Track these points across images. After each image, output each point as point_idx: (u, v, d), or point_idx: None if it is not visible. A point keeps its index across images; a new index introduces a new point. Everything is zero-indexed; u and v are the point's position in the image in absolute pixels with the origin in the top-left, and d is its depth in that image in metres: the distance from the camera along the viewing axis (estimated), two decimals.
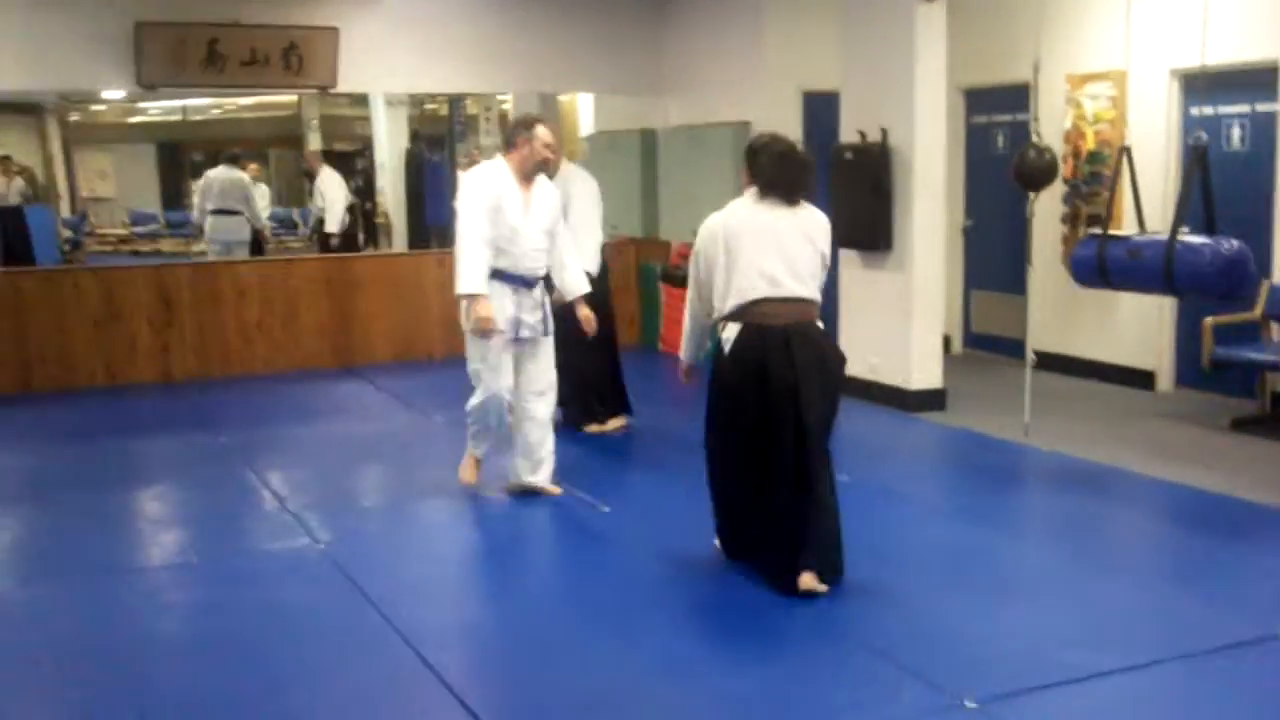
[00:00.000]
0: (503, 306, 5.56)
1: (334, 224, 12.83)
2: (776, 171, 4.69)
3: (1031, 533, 5.65)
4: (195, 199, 13.26)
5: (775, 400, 4.53)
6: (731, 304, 4.65)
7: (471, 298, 5.48)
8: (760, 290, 4.59)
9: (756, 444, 4.62)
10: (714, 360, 4.82)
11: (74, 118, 22.00)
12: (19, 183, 17.55)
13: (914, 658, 3.99)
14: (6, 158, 18.16)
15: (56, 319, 8.96)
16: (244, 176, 12.46)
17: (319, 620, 4.51)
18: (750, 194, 4.75)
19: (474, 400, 5.76)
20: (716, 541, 4.99)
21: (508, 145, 5.75)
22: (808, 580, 4.49)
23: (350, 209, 13.44)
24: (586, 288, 6.06)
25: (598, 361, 7.03)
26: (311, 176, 13.75)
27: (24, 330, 8.87)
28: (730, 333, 4.67)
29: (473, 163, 8.33)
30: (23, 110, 20.52)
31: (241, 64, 9.03)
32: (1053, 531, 5.65)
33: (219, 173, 12.43)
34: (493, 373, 5.64)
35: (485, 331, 5.50)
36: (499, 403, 5.70)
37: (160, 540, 5.61)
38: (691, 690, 3.83)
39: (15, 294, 8.88)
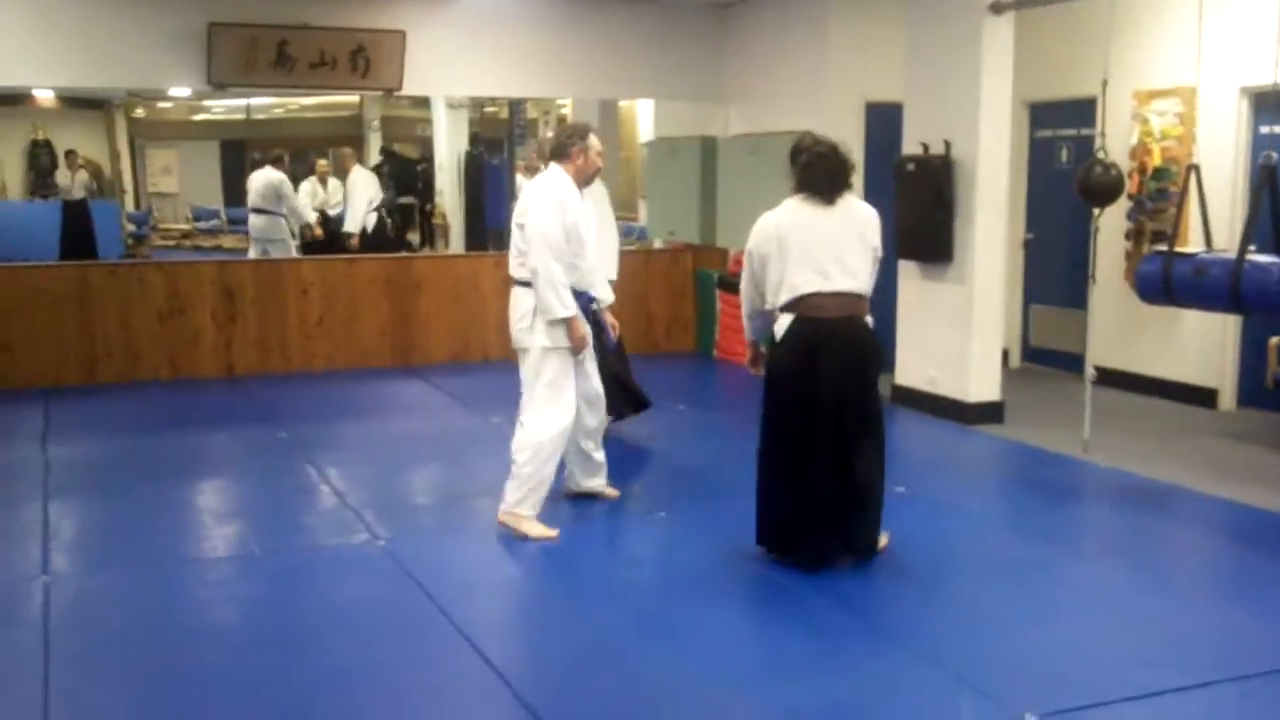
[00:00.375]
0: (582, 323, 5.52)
1: (353, 224, 12.90)
2: (813, 172, 4.92)
3: (1090, 548, 5.61)
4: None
5: (821, 388, 4.79)
6: (785, 297, 4.86)
7: (569, 320, 5.34)
8: (812, 284, 4.81)
9: (804, 430, 4.84)
10: (769, 353, 5.00)
11: (139, 113, 22.37)
12: (83, 176, 17.87)
13: (972, 670, 3.99)
14: (72, 152, 18.50)
15: (122, 312, 9.13)
16: (279, 177, 12.57)
17: (380, 615, 4.57)
18: (796, 195, 4.95)
19: (551, 428, 5.39)
20: (759, 545, 5.07)
21: (559, 154, 5.56)
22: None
23: (380, 210, 13.48)
24: (613, 296, 6.19)
25: (615, 364, 6.97)
26: (342, 176, 13.86)
27: (91, 323, 9.04)
28: (783, 324, 4.87)
29: (531, 167, 8.30)
30: (90, 105, 20.87)
31: (310, 65, 9.15)
32: (1111, 548, 5.60)
33: (258, 173, 12.66)
34: (571, 393, 5.50)
35: (578, 350, 5.44)
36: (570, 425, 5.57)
37: (223, 532, 5.70)
38: (751, 699, 3.84)
39: (83, 287, 9.05)
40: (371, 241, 12.96)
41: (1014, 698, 3.77)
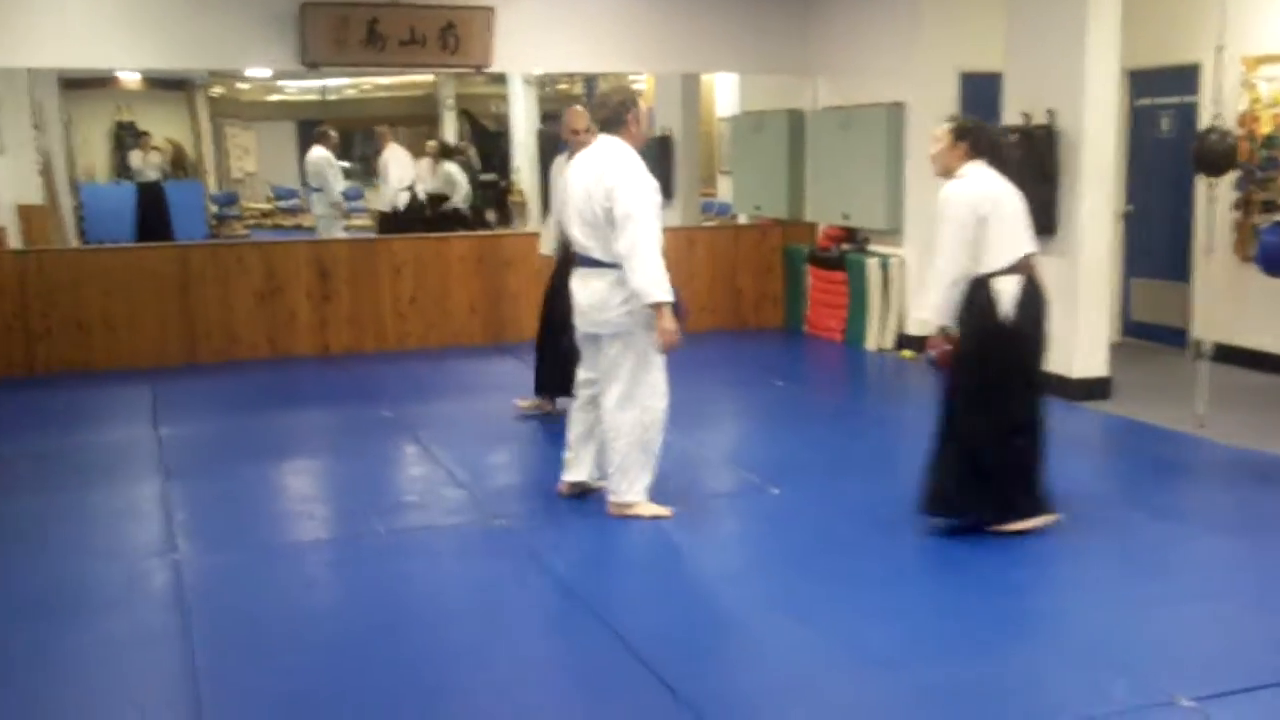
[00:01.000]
0: None
1: (383, 203, 12.93)
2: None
3: (1215, 528, 5.47)
4: None
5: (1042, 347, 5.19)
6: (1006, 259, 4.96)
7: (665, 305, 5.05)
8: (1029, 245, 5.03)
9: (1036, 387, 5.27)
10: (974, 321, 4.99)
11: (217, 92, 22.62)
12: (155, 157, 18.08)
13: (1115, 652, 3.93)
14: (145, 133, 18.72)
15: (221, 292, 9.25)
16: (323, 154, 12.64)
17: (508, 593, 4.60)
18: (977, 165, 5.05)
19: (651, 412, 5.26)
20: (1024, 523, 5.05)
21: (612, 124, 5.18)
22: None
23: (412, 189, 13.50)
24: None
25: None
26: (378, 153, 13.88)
27: (191, 303, 9.17)
28: (1009, 285, 4.96)
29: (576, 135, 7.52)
30: (172, 86, 21.14)
31: (400, 43, 9.18)
32: (1236, 527, 5.45)
33: (311, 152, 12.75)
34: (663, 372, 5.31)
35: (670, 343, 5.13)
36: None
37: (344, 511, 5.76)
38: (891, 682, 3.80)
39: (183, 267, 9.17)
40: (402, 220, 12.94)
41: (1162, 681, 3.70)
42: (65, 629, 4.27)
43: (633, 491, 5.31)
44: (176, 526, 5.40)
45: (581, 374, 5.53)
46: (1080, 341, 7.65)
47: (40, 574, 4.82)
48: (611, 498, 5.36)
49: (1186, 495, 5.96)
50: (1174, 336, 9.22)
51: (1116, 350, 8.57)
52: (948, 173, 5.11)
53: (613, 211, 5.06)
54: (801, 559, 4.95)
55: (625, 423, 5.24)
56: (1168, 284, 9.24)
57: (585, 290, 5.28)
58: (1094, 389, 7.66)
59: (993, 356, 5.02)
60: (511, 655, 4.01)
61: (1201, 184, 7.39)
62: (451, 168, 14.36)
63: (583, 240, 5.24)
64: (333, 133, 13.10)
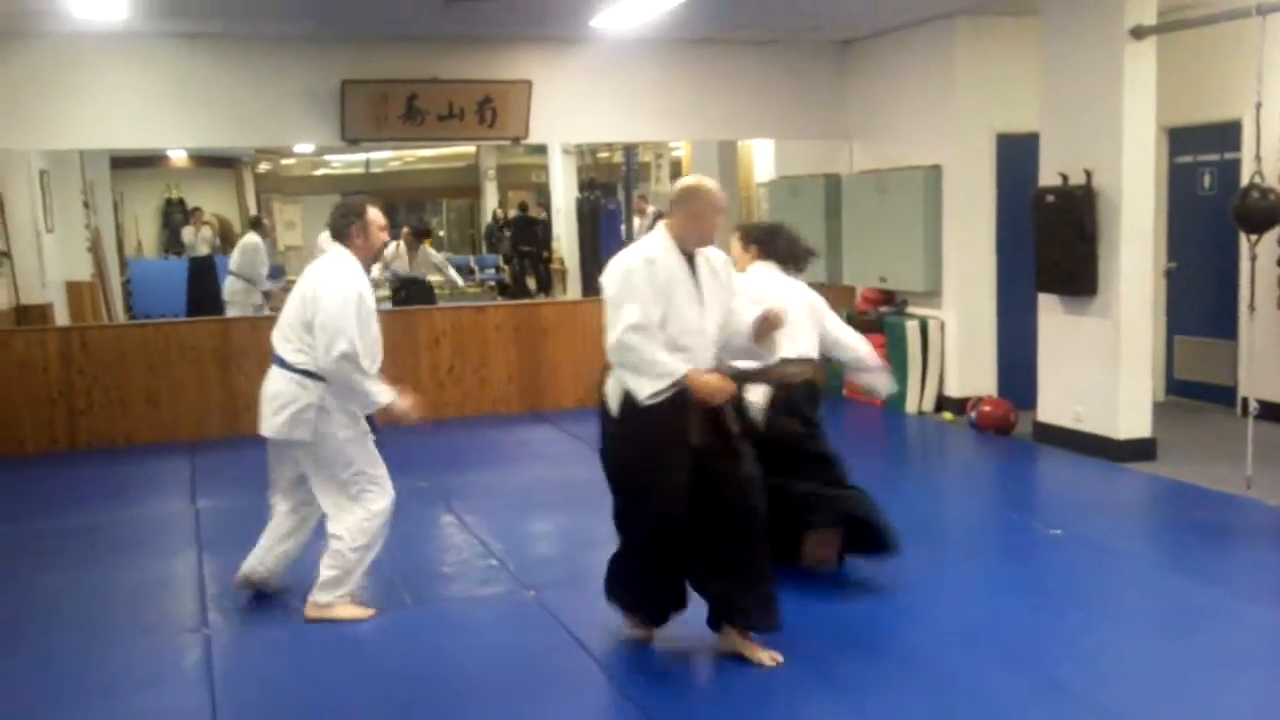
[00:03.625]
0: None
1: None
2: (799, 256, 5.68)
3: (1262, 593, 5.32)
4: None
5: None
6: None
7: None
8: (797, 348, 5.26)
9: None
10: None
11: (263, 168, 23.04)
12: (207, 232, 18.38)
13: None
14: (197, 209, 19.08)
15: (262, 365, 9.22)
16: (256, 241, 13.21)
17: (540, 667, 4.53)
18: (764, 266, 5.49)
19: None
20: None
21: (338, 234, 5.12)
22: None
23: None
24: None
25: None
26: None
27: (231, 377, 9.24)
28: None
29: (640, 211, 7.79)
30: (220, 164, 21.58)
31: (439, 118, 9.30)
32: None
33: (247, 238, 13.15)
34: None
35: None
36: None
37: (373, 582, 5.71)
38: None
39: (224, 341, 9.27)
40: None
41: None
42: (95, 707, 4.27)
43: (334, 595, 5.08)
44: (209, 601, 5.39)
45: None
46: (1123, 401, 7.53)
47: (71, 650, 4.82)
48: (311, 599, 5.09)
49: (1234, 560, 5.81)
50: (1220, 394, 9.05)
51: (1161, 409, 8.44)
52: (741, 272, 5.16)
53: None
54: (837, 629, 4.84)
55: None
56: (1212, 341, 9.09)
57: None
58: (1139, 450, 7.52)
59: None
60: None
61: (1244, 240, 7.30)
62: (430, 250, 13.68)
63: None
64: (266, 220, 13.35)
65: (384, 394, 5.07)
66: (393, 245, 13.69)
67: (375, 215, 5.18)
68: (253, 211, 22.25)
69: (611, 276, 4.43)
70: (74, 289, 12.88)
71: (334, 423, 5.03)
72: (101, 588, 5.64)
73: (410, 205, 26.75)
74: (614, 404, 4.42)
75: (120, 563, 6.03)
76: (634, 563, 4.59)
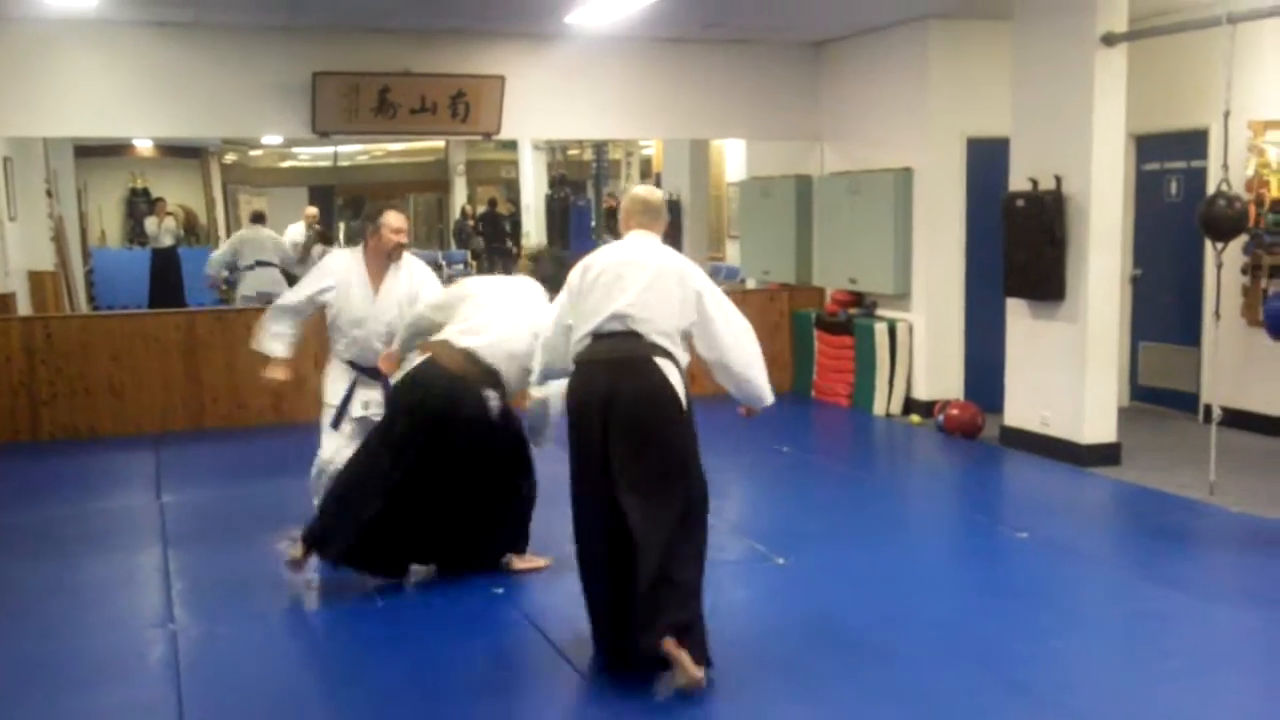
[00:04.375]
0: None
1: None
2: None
3: (1225, 598, 5.37)
4: None
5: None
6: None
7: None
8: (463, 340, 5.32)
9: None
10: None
11: (230, 159, 22.85)
12: (170, 223, 18.22)
13: None
14: (160, 199, 18.91)
15: (228, 357, 9.24)
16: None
17: (512, 665, 4.52)
18: None
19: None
20: None
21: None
22: None
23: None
24: None
25: None
26: None
27: (198, 369, 9.17)
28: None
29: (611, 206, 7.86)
30: (185, 153, 21.38)
31: (411, 111, 9.25)
32: (1247, 597, 5.34)
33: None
34: None
35: None
36: None
37: (343, 581, 5.67)
38: None
39: (189, 333, 9.18)
40: None
41: None
42: (58, 701, 4.22)
43: None
44: (175, 596, 5.34)
45: None
46: (1089, 406, 7.59)
47: (34, 644, 4.76)
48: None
49: (1197, 564, 5.87)
50: (1183, 401, 9.15)
51: (1125, 414, 8.52)
52: None
53: None
54: (806, 632, 4.86)
55: None
56: (1177, 348, 9.19)
57: None
58: (1104, 454, 7.59)
59: None
60: None
61: (1210, 248, 7.37)
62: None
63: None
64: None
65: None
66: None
67: (389, 219, 5.77)
68: (219, 202, 22.09)
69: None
70: (36, 278, 12.70)
71: None
72: (66, 582, 5.57)
73: (378, 199, 26.62)
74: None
75: (85, 556, 5.96)
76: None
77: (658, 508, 4.09)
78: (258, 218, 13.36)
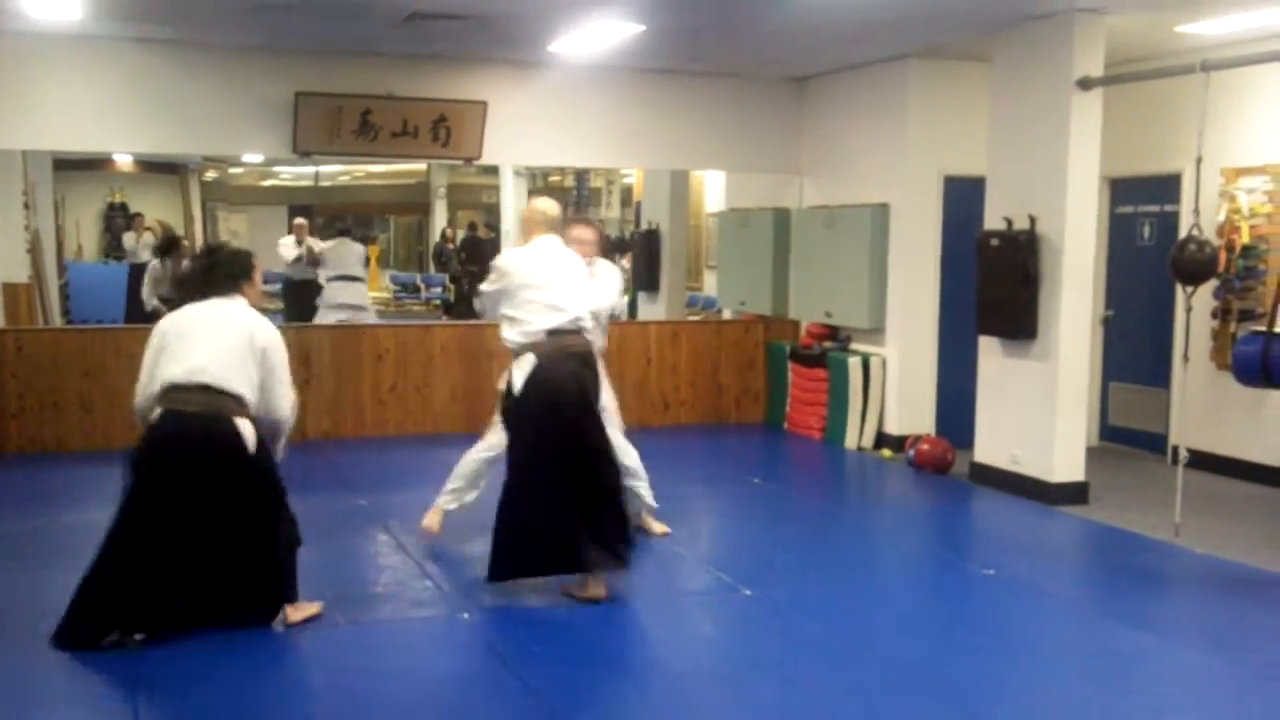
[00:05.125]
0: None
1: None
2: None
3: (1189, 639, 5.41)
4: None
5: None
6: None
7: None
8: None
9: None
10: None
11: (210, 177, 22.82)
12: (149, 238, 18.19)
13: None
14: (138, 215, 18.86)
15: None
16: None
17: (472, 693, 4.50)
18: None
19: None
20: None
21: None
22: None
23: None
24: None
25: None
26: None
27: None
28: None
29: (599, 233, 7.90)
30: (165, 169, 21.34)
31: (392, 134, 9.27)
32: (1211, 638, 5.38)
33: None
34: None
35: None
36: None
37: (305, 599, 5.65)
38: None
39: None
40: None
41: None
42: None
43: None
44: None
45: None
46: (1058, 445, 7.64)
47: None
48: None
49: (1162, 605, 5.90)
50: (1152, 442, 9.22)
51: (1095, 454, 8.58)
52: None
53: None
54: (770, 664, 4.86)
55: None
56: (1147, 389, 9.26)
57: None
58: (1071, 493, 7.63)
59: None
60: None
61: (1180, 291, 7.44)
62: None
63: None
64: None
65: None
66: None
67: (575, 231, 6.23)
68: (198, 219, 22.04)
69: None
70: (10, 291, 12.63)
71: None
72: (26, 595, 5.52)
73: (358, 220, 26.60)
74: None
75: (47, 570, 5.90)
76: None
77: None
78: (344, 231, 12.99)
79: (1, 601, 5.46)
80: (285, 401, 5.11)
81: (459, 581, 5.83)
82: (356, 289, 11.95)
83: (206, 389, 4.79)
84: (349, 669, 4.72)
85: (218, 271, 5.13)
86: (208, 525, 4.85)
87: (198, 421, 4.78)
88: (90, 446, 8.83)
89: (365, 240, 14.83)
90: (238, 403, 4.84)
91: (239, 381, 4.85)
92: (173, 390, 4.82)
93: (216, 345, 4.87)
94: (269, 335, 5.02)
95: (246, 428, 4.85)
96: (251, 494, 4.93)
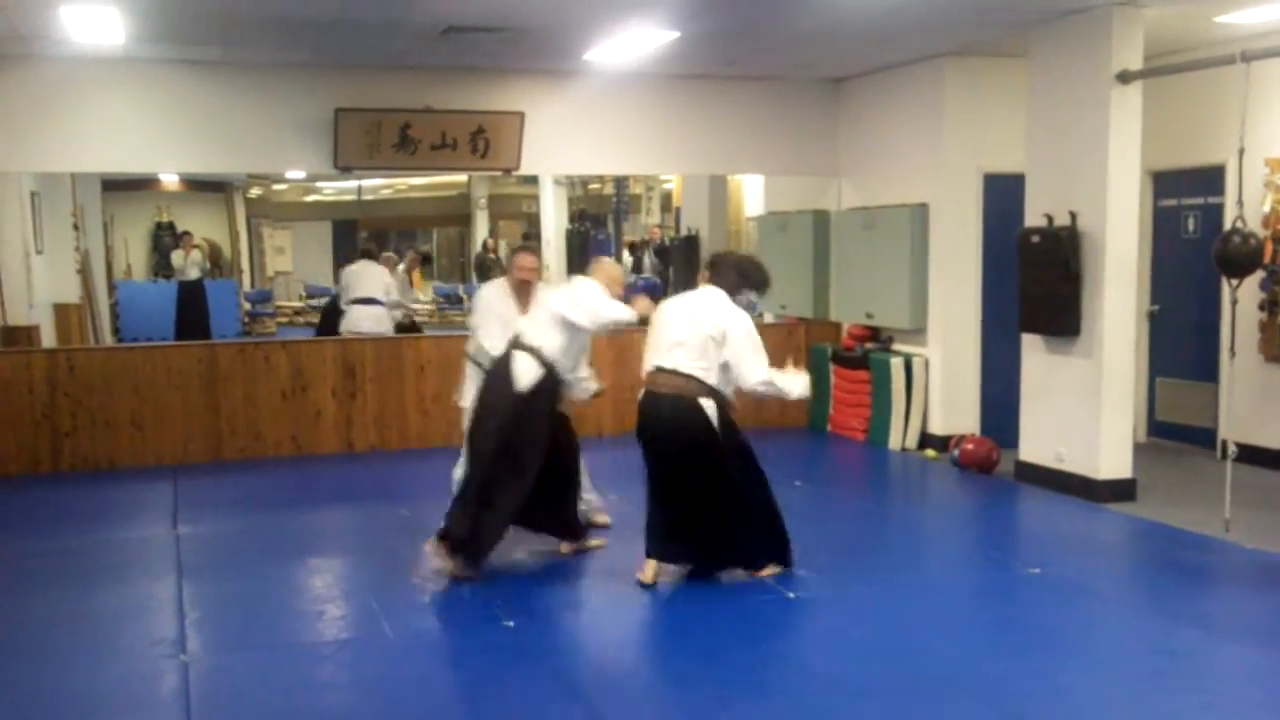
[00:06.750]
0: None
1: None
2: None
3: (1240, 635, 5.34)
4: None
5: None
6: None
7: None
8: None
9: None
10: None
11: (255, 194, 23.10)
12: (196, 256, 18.48)
13: None
14: (186, 233, 19.13)
15: (248, 390, 9.33)
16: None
17: (518, 698, 4.53)
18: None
19: None
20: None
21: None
22: None
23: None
24: None
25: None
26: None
27: (217, 401, 9.25)
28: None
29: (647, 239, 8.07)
30: (212, 188, 21.63)
31: (431, 147, 9.35)
32: (1263, 634, 5.30)
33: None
34: None
35: None
36: None
37: (353, 612, 5.72)
38: None
39: (210, 366, 9.27)
40: None
41: None
42: None
43: None
44: (188, 626, 5.38)
45: None
46: (1105, 442, 7.57)
47: (46, 674, 4.80)
48: None
49: (1212, 601, 5.84)
50: (1200, 436, 9.11)
51: (1142, 450, 8.50)
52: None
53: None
54: (815, 667, 4.86)
55: None
56: (1194, 384, 9.16)
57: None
58: (1119, 490, 7.56)
59: None
60: None
61: (1226, 285, 7.36)
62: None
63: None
64: None
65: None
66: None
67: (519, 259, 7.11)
68: (243, 236, 22.31)
69: None
70: (61, 311, 12.87)
71: None
72: (80, 611, 5.62)
73: (401, 233, 26.87)
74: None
75: (99, 586, 6.01)
76: None
77: None
78: (367, 253, 12.75)
79: (53, 617, 5.54)
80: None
81: (505, 590, 5.86)
82: (377, 313, 11.93)
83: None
84: (398, 679, 4.76)
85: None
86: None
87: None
88: (141, 463, 8.98)
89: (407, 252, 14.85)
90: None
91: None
92: None
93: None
94: None
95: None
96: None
